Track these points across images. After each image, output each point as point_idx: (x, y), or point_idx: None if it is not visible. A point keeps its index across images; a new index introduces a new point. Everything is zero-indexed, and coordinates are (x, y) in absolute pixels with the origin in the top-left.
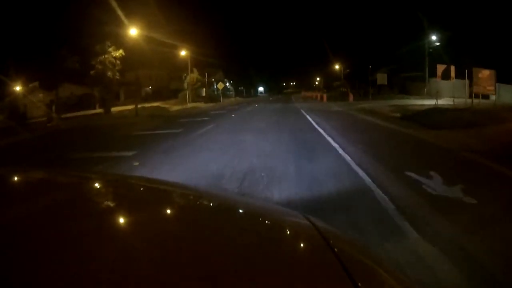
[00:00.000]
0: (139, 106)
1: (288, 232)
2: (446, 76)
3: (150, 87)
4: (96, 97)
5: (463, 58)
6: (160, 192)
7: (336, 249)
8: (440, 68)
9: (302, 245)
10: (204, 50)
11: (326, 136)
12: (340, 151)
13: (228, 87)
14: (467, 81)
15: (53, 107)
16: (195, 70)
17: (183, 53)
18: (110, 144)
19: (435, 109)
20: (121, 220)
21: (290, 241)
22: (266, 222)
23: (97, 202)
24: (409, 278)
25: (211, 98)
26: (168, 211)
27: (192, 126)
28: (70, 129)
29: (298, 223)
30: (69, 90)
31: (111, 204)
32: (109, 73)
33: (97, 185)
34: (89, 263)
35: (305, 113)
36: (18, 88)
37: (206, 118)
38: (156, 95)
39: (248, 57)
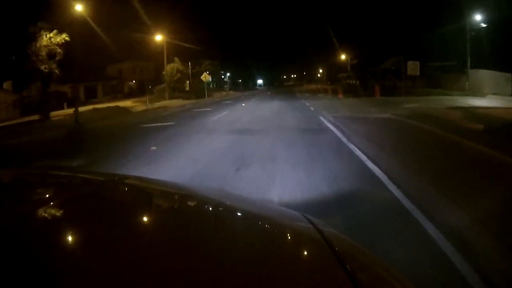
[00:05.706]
0: (95, 106)
1: (289, 234)
2: None
3: (134, 81)
4: (66, 95)
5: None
6: (158, 194)
7: (338, 252)
8: None
9: (303, 247)
10: (194, 39)
11: None
12: None
13: (224, 79)
14: None
15: None
16: (176, 59)
17: (158, 37)
18: None
19: None
20: (119, 224)
21: (292, 243)
22: (267, 225)
23: (95, 204)
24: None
25: (196, 92)
26: (166, 214)
27: None
28: None
29: (299, 225)
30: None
31: (109, 207)
32: (42, 67)
33: (96, 186)
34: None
35: (336, 130)
36: None
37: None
38: (142, 90)
39: (247, 49)
